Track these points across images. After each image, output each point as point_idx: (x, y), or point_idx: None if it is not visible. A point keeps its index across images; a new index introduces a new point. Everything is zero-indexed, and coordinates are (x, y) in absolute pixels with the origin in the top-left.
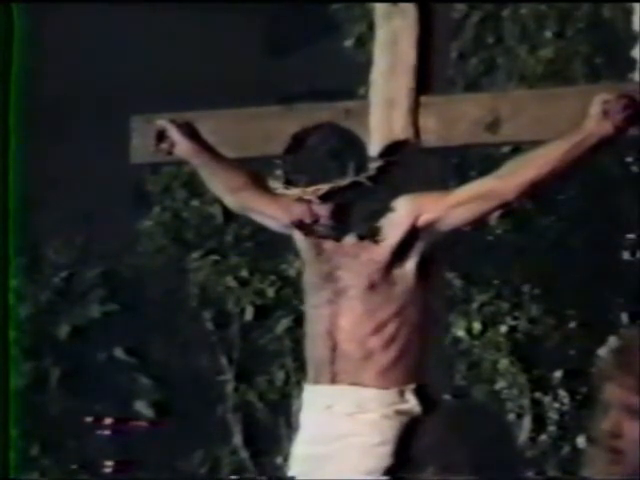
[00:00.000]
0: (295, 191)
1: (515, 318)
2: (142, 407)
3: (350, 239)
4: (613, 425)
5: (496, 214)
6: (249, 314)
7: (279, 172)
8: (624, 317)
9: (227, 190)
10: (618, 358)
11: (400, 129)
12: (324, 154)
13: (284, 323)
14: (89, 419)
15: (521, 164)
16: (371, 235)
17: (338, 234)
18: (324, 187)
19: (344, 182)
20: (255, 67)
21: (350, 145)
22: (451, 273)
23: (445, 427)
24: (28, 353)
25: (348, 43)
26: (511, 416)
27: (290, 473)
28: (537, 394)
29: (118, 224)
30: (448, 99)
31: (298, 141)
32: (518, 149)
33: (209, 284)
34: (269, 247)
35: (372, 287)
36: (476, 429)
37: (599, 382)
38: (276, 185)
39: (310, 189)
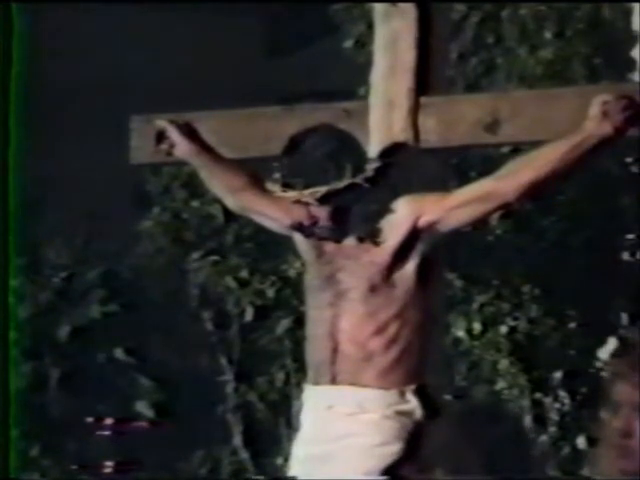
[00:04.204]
0: (293, 194)
1: (515, 319)
2: (142, 408)
3: (350, 241)
4: (625, 424)
5: (496, 215)
6: (249, 315)
7: (277, 175)
8: (624, 317)
9: (227, 191)
10: (629, 357)
11: (400, 130)
12: (321, 156)
13: (284, 324)
14: (89, 420)
15: (521, 165)
16: (371, 237)
17: (338, 236)
18: (321, 189)
19: (341, 184)
20: (255, 67)
21: (347, 147)
22: (451, 273)
23: (452, 428)
24: (28, 354)
25: (348, 44)
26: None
27: (291, 473)
28: (537, 395)
29: (118, 224)
30: (448, 100)
31: (295, 143)
32: (518, 150)
33: (209, 285)
34: (269, 248)
35: (373, 289)
36: (478, 429)
37: (610, 381)
38: (274, 188)
39: (307, 191)
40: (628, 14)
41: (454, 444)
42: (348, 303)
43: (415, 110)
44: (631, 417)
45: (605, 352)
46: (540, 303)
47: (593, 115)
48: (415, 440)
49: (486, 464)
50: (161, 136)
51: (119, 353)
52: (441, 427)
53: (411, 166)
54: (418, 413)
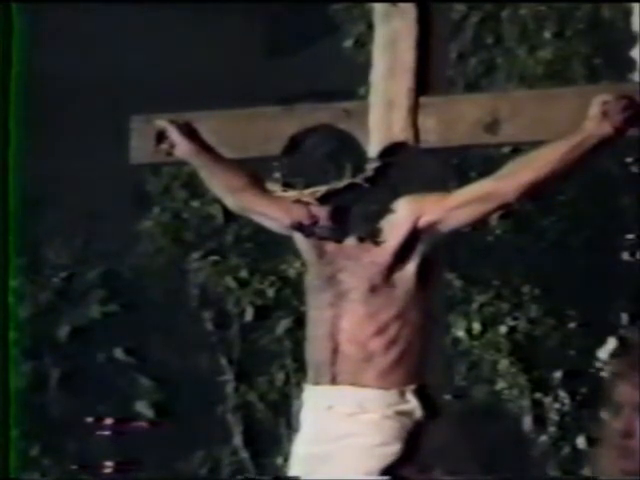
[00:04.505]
0: (293, 194)
1: (515, 319)
2: (142, 407)
3: (351, 241)
4: (625, 424)
5: (496, 215)
6: (249, 315)
7: (277, 175)
8: (624, 317)
9: (227, 191)
10: (629, 357)
11: (400, 130)
12: (321, 156)
13: (284, 324)
14: (89, 420)
15: (521, 165)
16: (372, 237)
17: (338, 235)
18: (321, 189)
19: (341, 184)
20: (255, 67)
21: (347, 147)
22: (451, 274)
23: (452, 428)
24: (28, 354)
25: (347, 44)
26: (512, 416)
27: (291, 473)
28: (537, 395)
29: (118, 224)
30: (448, 100)
31: (295, 143)
32: (518, 150)
33: (209, 285)
34: (269, 248)
35: (373, 289)
36: (477, 430)
37: (610, 382)
38: (274, 188)
39: (307, 191)
40: (628, 14)
41: (454, 444)
42: (349, 303)
43: (415, 110)
44: (632, 418)
45: (605, 352)
46: (540, 303)
47: (593, 115)
48: (415, 440)
49: (486, 464)
50: (161, 136)
51: (119, 353)
52: (441, 427)
53: (411, 166)
54: (418, 413)
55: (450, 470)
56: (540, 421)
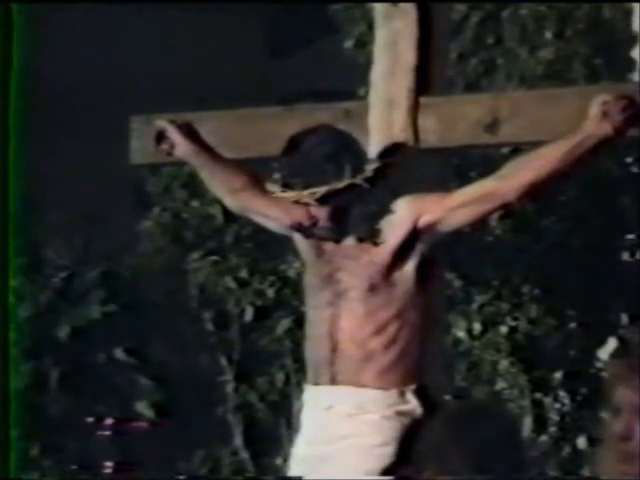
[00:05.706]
0: (292, 194)
1: (515, 319)
2: (142, 408)
3: (350, 241)
4: (624, 428)
5: (496, 215)
6: (249, 315)
7: (277, 175)
8: (624, 317)
9: (227, 191)
10: (629, 359)
11: (400, 130)
12: (321, 157)
13: (284, 324)
14: (89, 420)
15: (521, 165)
16: (371, 237)
17: (337, 236)
18: (321, 190)
19: (341, 184)
20: (255, 67)
21: (347, 147)
22: (451, 273)
23: (445, 428)
24: (28, 354)
25: (348, 44)
26: (512, 417)
27: (291, 473)
28: (537, 395)
29: (118, 224)
30: (448, 100)
31: (295, 143)
32: (518, 150)
33: (209, 285)
34: (269, 248)
35: (372, 289)
36: (477, 430)
37: (610, 384)
38: (273, 189)
39: (307, 192)
40: (628, 14)
41: (453, 444)
42: (347, 302)
43: (415, 110)
44: (631, 421)
45: (605, 352)
46: (540, 303)
47: (593, 115)
48: (415, 440)
49: (485, 464)
50: (161, 136)
51: (119, 353)
52: (440, 427)
53: (411, 166)
54: (418, 413)
55: (449, 470)
56: (540, 421)
